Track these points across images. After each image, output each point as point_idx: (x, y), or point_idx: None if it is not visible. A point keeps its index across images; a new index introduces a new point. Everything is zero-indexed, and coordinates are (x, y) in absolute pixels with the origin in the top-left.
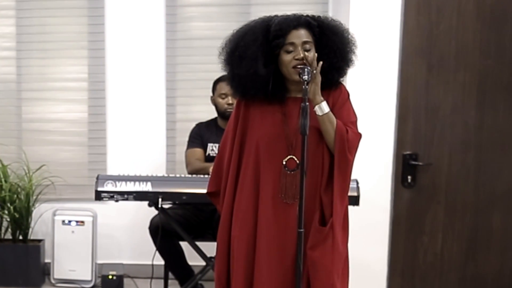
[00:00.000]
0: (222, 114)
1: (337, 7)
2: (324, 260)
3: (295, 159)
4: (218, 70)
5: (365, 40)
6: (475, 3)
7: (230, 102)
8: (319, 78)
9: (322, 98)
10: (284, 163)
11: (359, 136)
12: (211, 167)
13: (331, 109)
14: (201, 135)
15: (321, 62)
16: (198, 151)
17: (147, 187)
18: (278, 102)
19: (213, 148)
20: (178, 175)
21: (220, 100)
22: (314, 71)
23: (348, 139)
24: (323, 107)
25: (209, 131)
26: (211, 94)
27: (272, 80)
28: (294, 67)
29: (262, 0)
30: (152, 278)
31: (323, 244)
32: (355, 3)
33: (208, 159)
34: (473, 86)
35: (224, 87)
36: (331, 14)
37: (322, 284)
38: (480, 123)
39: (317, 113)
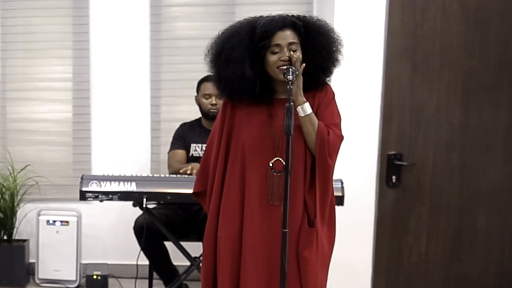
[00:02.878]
0: (206, 114)
1: (321, 7)
2: (312, 260)
3: (282, 160)
4: (202, 70)
5: (350, 40)
6: (460, 3)
7: (214, 102)
8: (300, 80)
9: (304, 99)
10: (270, 164)
11: (341, 138)
12: (189, 165)
13: (316, 109)
14: (184, 136)
15: (303, 64)
16: (180, 152)
17: (131, 187)
18: (265, 104)
19: (196, 149)
20: (162, 175)
21: (204, 100)
22: (297, 72)
23: (329, 141)
24: (306, 108)
25: (193, 131)
26: (195, 94)
27: (259, 81)
28: (279, 67)
29: (247, 0)
30: (136, 278)
31: (311, 245)
32: (340, 3)
33: (192, 159)
34: (457, 86)
35: (208, 88)
36: (315, 14)
37: (310, 284)
38: (464, 123)
39: (299, 114)
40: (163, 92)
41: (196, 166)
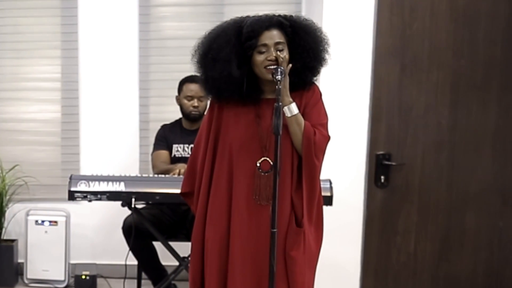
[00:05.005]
0: (187, 116)
1: (310, 7)
2: (299, 260)
3: (269, 160)
4: (191, 70)
5: (338, 40)
6: (448, 3)
7: (196, 104)
8: (287, 80)
9: (291, 100)
10: (258, 164)
11: (327, 138)
12: (176, 168)
13: (303, 109)
14: (165, 137)
15: (290, 65)
16: (163, 153)
17: (120, 187)
18: (252, 104)
19: (178, 149)
20: (151, 175)
21: (185, 101)
22: (284, 72)
23: (315, 142)
24: (292, 109)
25: (174, 132)
26: (176, 94)
27: (246, 81)
28: (266, 67)
29: (235, 0)
30: (125, 278)
31: (299, 245)
32: (328, 3)
33: (174, 160)
34: (446, 86)
35: (191, 89)
36: (304, 14)
37: (298, 284)
38: (453, 123)
39: (286, 114)
40: (152, 92)
41: (183, 166)
